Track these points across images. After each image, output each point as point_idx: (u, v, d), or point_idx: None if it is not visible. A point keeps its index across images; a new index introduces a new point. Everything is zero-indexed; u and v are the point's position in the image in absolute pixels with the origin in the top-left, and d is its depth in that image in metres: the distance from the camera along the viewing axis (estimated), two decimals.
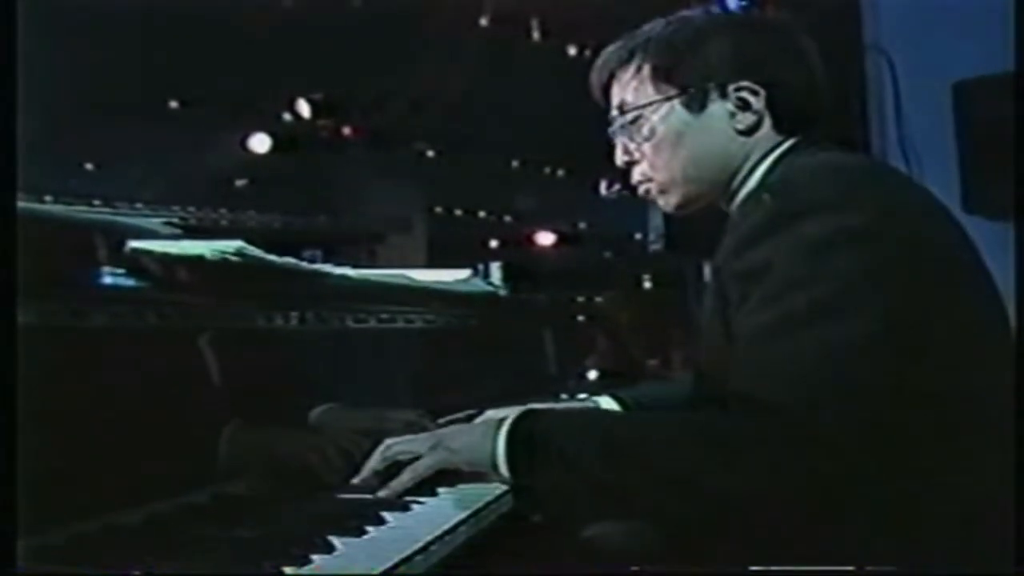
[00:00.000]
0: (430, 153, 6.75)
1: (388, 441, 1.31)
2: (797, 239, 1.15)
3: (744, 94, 1.34)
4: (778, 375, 1.10)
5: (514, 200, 8.35)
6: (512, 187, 7.85)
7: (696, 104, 1.35)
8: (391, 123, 6.15)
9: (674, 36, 1.38)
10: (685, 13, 1.40)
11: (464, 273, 2.05)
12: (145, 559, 0.98)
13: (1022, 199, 2.38)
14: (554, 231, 8.46)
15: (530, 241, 8.41)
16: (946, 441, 1.11)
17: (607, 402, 1.64)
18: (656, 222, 3.66)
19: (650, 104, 1.37)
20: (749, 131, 1.35)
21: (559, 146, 6.64)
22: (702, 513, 1.12)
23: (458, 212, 7.93)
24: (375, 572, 0.95)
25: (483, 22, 4.97)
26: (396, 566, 0.98)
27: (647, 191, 1.42)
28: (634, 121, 1.39)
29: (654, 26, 1.41)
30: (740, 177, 1.37)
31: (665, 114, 1.36)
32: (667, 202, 1.41)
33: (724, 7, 3.10)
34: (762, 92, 1.34)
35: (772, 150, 1.35)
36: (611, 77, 1.43)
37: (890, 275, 1.13)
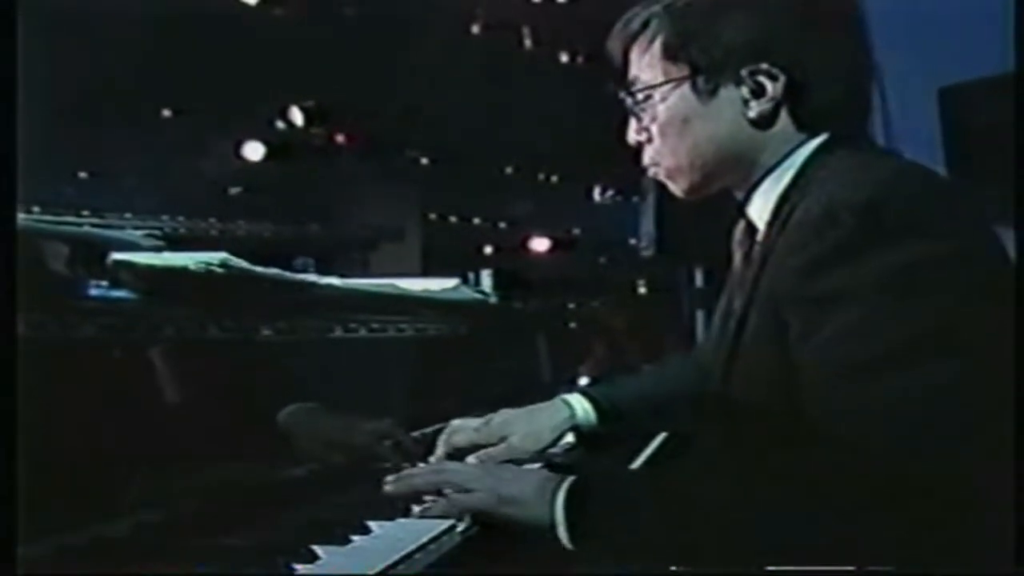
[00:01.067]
0: (424, 160, 6.75)
1: (445, 465, 1.29)
2: (886, 265, 1.07)
3: (760, 78, 1.22)
4: (883, 417, 1.06)
5: (508, 206, 8.36)
6: (506, 193, 7.85)
7: (706, 89, 1.24)
8: (384, 130, 6.15)
9: (688, 9, 1.26)
10: None
11: (453, 281, 2.05)
12: (132, 569, 0.99)
13: (1020, 202, 2.40)
14: (549, 237, 8.46)
15: (525, 247, 8.41)
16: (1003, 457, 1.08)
17: (579, 401, 1.62)
18: (647, 227, 3.66)
19: (657, 85, 1.27)
20: (763, 121, 1.23)
21: (553, 152, 6.64)
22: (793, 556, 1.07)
23: (452, 219, 7.93)
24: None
25: (475, 30, 4.98)
26: (380, 574, 0.99)
27: (655, 173, 1.34)
28: (645, 100, 1.29)
29: None
30: (761, 171, 1.27)
31: (672, 98, 1.27)
32: (676, 187, 1.33)
33: None
34: (781, 77, 1.21)
35: (800, 145, 1.24)
36: (625, 52, 1.33)
37: (986, 302, 1.08)
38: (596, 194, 6.67)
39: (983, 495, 1.05)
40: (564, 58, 5.03)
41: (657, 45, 1.28)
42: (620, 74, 1.34)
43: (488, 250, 8.01)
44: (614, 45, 1.33)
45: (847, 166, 1.20)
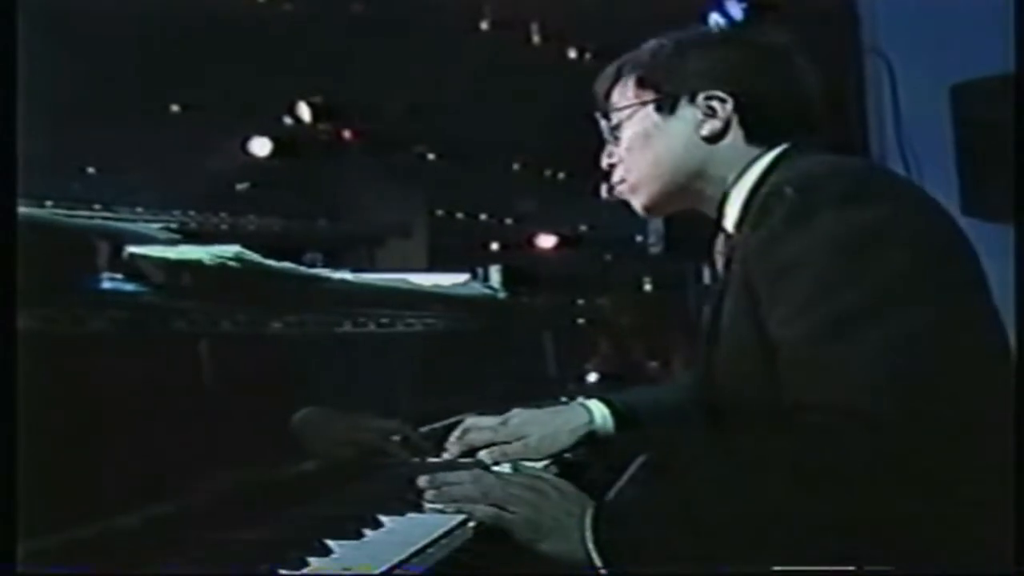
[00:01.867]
0: (431, 156, 6.75)
1: (486, 481, 1.26)
2: (827, 234, 1.18)
3: (713, 103, 1.42)
4: (845, 379, 1.12)
5: (515, 203, 8.35)
6: (513, 190, 7.85)
7: (667, 108, 1.45)
8: (391, 127, 6.15)
9: (656, 51, 1.49)
10: (673, 33, 1.50)
11: (463, 277, 2.05)
12: (143, 562, 0.99)
13: (1021, 201, 2.39)
14: (555, 234, 8.46)
15: (531, 244, 8.41)
16: (982, 437, 1.12)
17: (597, 407, 1.63)
18: (656, 224, 3.66)
19: (628, 107, 1.47)
20: (713, 138, 1.42)
21: (560, 149, 6.64)
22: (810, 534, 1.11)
23: (459, 215, 7.92)
24: (372, 574, 0.96)
25: (483, 26, 4.97)
26: (392, 569, 0.99)
27: (621, 192, 1.51)
28: (616, 127, 1.49)
29: (650, 43, 1.51)
30: (725, 185, 1.41)
31: (637, 117, 1.47)
32: (637, 202, 1.50)
33: (726, 15, 3.12)
34: (730, 101, 1.41)
35: (759, 157, 1.40)
36: (611, 86, 1.52)
37: (936, 254, 1.19)
38: (602, 191, 6.65)
39: (972, 433, 1.10)
40: (572, 54, 5.03)
41: (631, 80, 1.49)
42: (601, 106, 1.54)
43: (494, 247, 8.02)
44: (599, 90, 1.54)
45: (799, 164, 1.35)
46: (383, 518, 1.16)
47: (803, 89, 1.44)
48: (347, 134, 6.09)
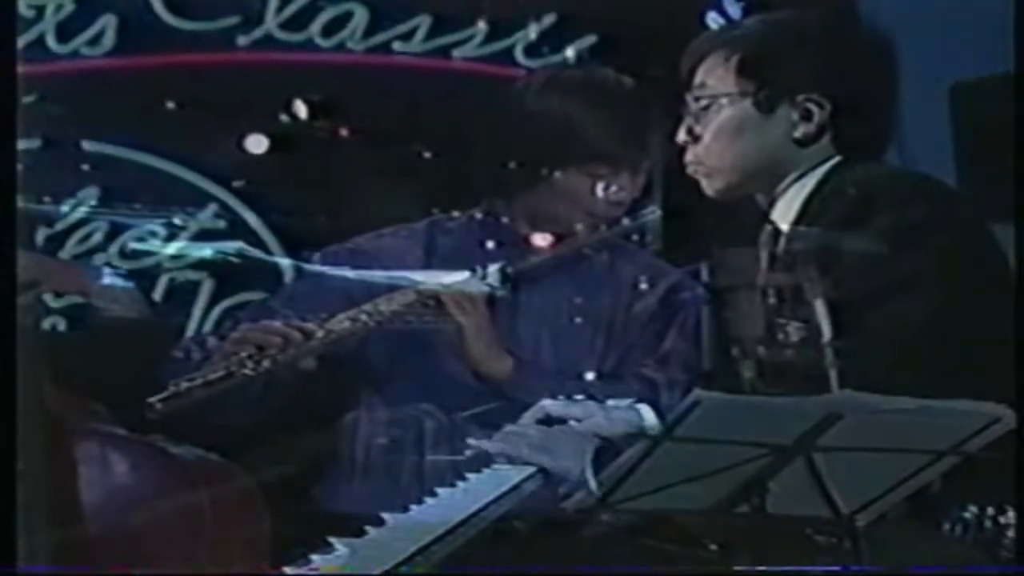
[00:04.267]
0: (427, 154, 6.73)
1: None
2: (882, 232, 1.26)
3: (810, 106, 1.43)
4: (875, 352, 1.22)
5: (511, 201, 8.34)
6: (508, 187, 7.85)
7: (765, 105, 1.45)
8: (388, 124, 6.14)
9: (768, 37, 1.48)
10: (783, 15, 1.49)
11: (464, 275, 2.07)
12: (144, 561, 0.98)
13: (1021, 200, 2.39)
14: (551, 232, 8.45)
15: (527, 242, 8.41)
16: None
17: None
18: (653, 222, 3.65)
19: (725, 94, 1.45)
20: (805, 142, 1.44)
21: (556, 147, 6.62)
22: None
23: (455, 213, 7.92)
24: (375, 572, 0.96)
25: (480, 24, 4.97)
26: (396, 567, 0.98)
27: (695, 171, 1.51)
28: (706, 107, 1.47)
29: (754, 21, 1.50)
30: (788, 180, 1.47)
31: (733, 107, 1.46)
32: (711, 186, 1.52)
33: (724, 14, 3.11)
34: (828, 106, 1.43)
35: (823, 162, 1.44)
36: (700, 60, 1.51)
37: (966, 256, 1.30)
38: (599, 190, 6.63)
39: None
40: (570, 52, 5.02)
41: (734, 59, 1.48)
42: (683, 84, 1.53)
43: (491, 245, 8.02)
44: (689, 57, 1.53)
45: (862, 168, 1.43)
46: (386, 515, 1.15)
47: (892, 99, 1.48)
48: (344, 131, 6.07)
